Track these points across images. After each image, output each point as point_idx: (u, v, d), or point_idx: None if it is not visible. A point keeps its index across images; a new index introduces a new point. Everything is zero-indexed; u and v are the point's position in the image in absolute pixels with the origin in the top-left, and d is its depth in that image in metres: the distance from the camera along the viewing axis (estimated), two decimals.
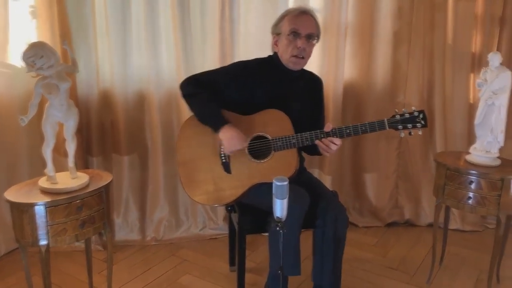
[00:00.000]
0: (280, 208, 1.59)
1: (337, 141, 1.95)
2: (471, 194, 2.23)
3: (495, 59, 2.19)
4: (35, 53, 1.74)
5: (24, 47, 1.78)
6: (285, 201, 1.58)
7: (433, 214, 3.16)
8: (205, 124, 2.01)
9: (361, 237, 3.07)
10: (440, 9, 2.96)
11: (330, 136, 1.96)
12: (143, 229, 2.95)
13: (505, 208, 2.18)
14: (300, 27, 2.03)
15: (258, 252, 2.82)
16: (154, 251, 2.83)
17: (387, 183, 3.23)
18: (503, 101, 2.19)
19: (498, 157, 2.30)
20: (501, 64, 2.21)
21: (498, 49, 3.09)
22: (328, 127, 1.97)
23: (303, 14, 2.07)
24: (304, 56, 2.07)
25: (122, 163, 2.85)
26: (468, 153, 2.40)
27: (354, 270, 2.63)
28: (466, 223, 3.21)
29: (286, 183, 1.55)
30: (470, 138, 3.18)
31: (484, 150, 2.29)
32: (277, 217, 1.61)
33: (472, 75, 3.12)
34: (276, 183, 1.55)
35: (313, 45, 2.10)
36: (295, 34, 2.03)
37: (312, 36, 2.06)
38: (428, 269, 2.62)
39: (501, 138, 2.25)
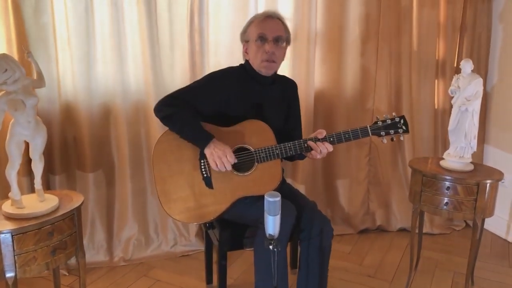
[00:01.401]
0: (272, 225, 1.53)
1: (330, 147, 1.93)
2: (448, 200, 2.26)
3: (467, 66, 2.24)
4: None
5: None
6: (278, 218, 1.52)
7: (403, 219, 3.25)
8: (189, 141, 1.92)
9: (335, 245, 3.01)
10: (406, 17, 3.02)
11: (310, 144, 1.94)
12: (111, 249, 2.78)
13: (480, 212, 2.22)
14: (267, 31, 1.99)
15: (234, 267, 2.73)
16: (124, 273, 2.67)
17: (358, 190, 3.24)
18: (476, 107, 2.25)
19: (471, 162, 2.35)
20: (472, 71, 2.26)
21: (459, 55, 3.19)
22: (321, 133, 1.96)
23: (269, 18, 2.03)
24: (274, 60, 2.02)
25: (87, 180, 2.67)
26: (441, 158, 2.44)
27: (333, 280, 2.60)
28: (435, 227, 3.27)
29: (278, 198, 1.49)
30: (436, 143, 3.26)
31: (457, 156, 2.33)
32: (270, 234, 1.54)
33: (436, 81, 3.19)
34: (268, 199, 1.49)
35: (283, 48, 2.06)
36: (262, 38, 1.99)
37: (281, 39, 2.02)
38: (403, 274, 2.65)
39: (474, 143, 2.30)
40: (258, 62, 2.02)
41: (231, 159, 1.87)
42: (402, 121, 1.97)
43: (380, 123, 1.97)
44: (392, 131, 1.96)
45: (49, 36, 2.40)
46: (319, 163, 3.17)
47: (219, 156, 1.85)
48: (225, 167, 1.87)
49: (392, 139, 1.99)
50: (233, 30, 2.73)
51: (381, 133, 1.96)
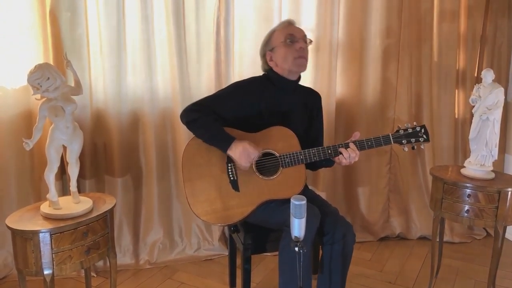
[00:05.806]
0: (298, 227, 1.58)
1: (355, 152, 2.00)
2: (469, 207, 2.29)
3: (488, 75, 2.28)
4: (42, 74, 1.70)
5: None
6: (303, 220, 1.57)
7: (423, 228, 3.26)
8: (212, 145, 1.99)
9: (356, 252, 3.02)
10: (426, 28, 3.07)
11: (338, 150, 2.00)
12: (137, 252, 2.87)
13: (502, 219, 2.24)
14: (294, 32, 2.09)
15: (257, 271, 2.79)
16: (149, 275, 2.75)
17: (379, 198, 3.28)
18: (497, 116, 2.28)
19: (492, 170, 2.38)
20: (493, 80, 2.30)
21: (479, 66, 3.22)
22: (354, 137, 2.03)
23: (292, 24, 2.15)
24: (305, 56, 2.10)
25: (115, 185, 2.77)
26: (462, 166, 2.47)
27: (355, 286, 2.64)
28: (455, 235, 3.28)
29: (304, 202, 1.54)
30: (456, 152, 3.28)
31: (478, 164, 2.36)
32: (295, 236, 1.60)
33: (456, 91, 3.23)
34: (294, 202, 1.54)
35: (307, 49, 2.14)
36: (292, 38, 2.07)
37: (307, 39, 2.12)
38: (424, 281, 2.67)
39: (495, 151, 2.33)
40: (290, 62, 2.07)
41: (253, 150, 1.91)
42: (422, 130, 2.03)
43: (401, 132, 2.02)
44: (413, 140, 2.02)
45: (83, 47, 2.52)
46: (340, 171, 3.22)
47: (241, 153, 1.90)
48: (250, 161, 1.92)
49: (413, 148, 2.03)
50: (257, 41, 2.78)
51: (403, 141, 2.02)
